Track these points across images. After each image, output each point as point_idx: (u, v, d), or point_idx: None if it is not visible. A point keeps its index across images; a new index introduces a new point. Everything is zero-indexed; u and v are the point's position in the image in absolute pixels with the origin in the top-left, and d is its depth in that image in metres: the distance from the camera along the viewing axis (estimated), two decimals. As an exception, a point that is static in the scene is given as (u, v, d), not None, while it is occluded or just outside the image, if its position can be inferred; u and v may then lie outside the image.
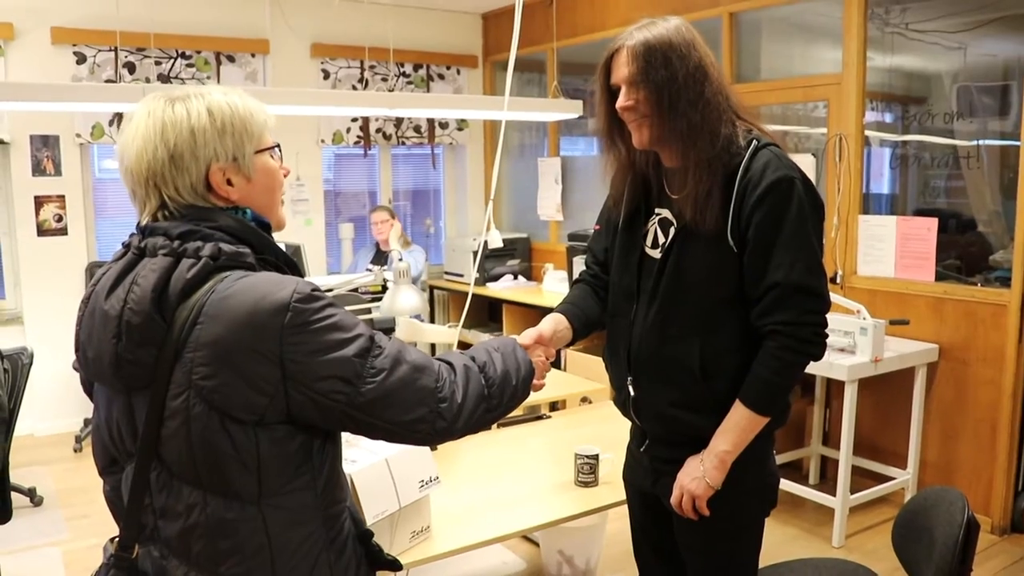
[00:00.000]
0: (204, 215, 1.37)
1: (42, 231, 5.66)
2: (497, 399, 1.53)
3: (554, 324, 2.01)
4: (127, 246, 1.39)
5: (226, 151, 1.38)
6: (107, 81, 5.70)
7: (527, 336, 1.89)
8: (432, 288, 7.22)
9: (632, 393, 1.99)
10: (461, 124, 7.38)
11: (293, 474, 1.34)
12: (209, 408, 1.26)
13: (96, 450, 1.43)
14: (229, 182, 1.39)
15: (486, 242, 3.39)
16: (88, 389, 1.46)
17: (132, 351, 1.29)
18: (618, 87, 1.88)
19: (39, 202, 5.64)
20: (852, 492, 4.01)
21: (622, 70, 1.85)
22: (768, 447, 2.00)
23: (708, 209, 1.81)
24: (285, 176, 1.52)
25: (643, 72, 1.81)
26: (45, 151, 5.63)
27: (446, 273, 7.17)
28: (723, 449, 1.86)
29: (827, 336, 1.85)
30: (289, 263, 1.45)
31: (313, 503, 1.37)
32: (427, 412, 1.39)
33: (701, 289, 1.86)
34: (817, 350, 1.84)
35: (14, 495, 4.33)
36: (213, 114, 1.38)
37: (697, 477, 1.88)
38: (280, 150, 1.51)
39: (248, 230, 1.39)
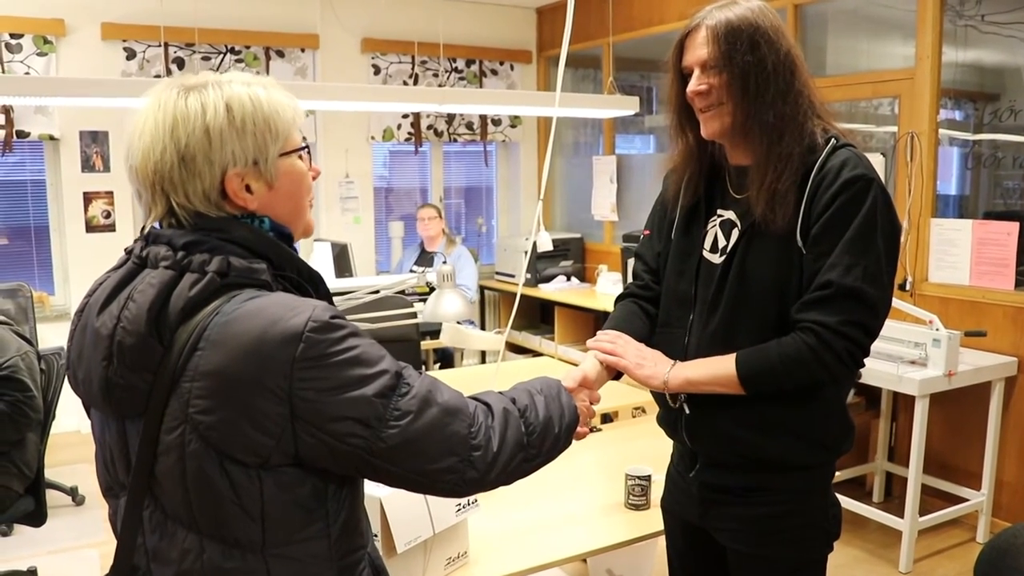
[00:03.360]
0: (215, 224, 1.19)
1: (91, 227, 5.65)
2: (536, 448, 1.36)
3: (596, 363, 1.83)
4: (129, 252, 1.23)
5: (246, 154, 1.20)
6: (156, 76, 5.66)
7: (571, 379, 1.68)
8: (483, 288, 7.09)
9: (687, 411, 1.81)
10: (514, 121, 7.23)
11: (303, 522, 1.18)
12: (206, 446, 1.10)
13: (97, 470, 1.29)
14: (248, 188, 1.22)
15: (535, 243, 3.24)
16: (87, 408, 1.31)
17: (124, 375, 1.14)
18: (690, 70, 1.71)
19: (88, 198, 5.63)
20: (921, 513, 3.77)
21: (699, 51, 1.68)
22: (830, 475, 1.82)
23: (783, 207, 1.63)
24: (315, 178, 1.34)
25: (725, 56, 1.64)
26: (94, 147, 5.61)
27: (497, 273, 7.04)
28: (688, 377, 1.72)
29: (863, 364, 1.63)
30: (313, 279, 1.28)
31: (325, 553, 1.21)
32: (457, 461, 1.22)
33: (770, 295, 1.68)
34: (843, 371, 1.62)
35: (56, 494, 4.34)
36: (232, 110, 1.19)
37: (658, 375, 1.75)
38: (310, 150, 1.32)
39: (265, 242, 1.22)
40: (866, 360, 1.65)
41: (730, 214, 1.77)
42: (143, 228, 1.25)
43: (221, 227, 1.20)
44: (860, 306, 1.58)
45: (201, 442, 1.10)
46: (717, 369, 1.68)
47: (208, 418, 1.10)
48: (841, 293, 1.58)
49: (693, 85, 1.69)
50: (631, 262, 6.02)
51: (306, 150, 1.31)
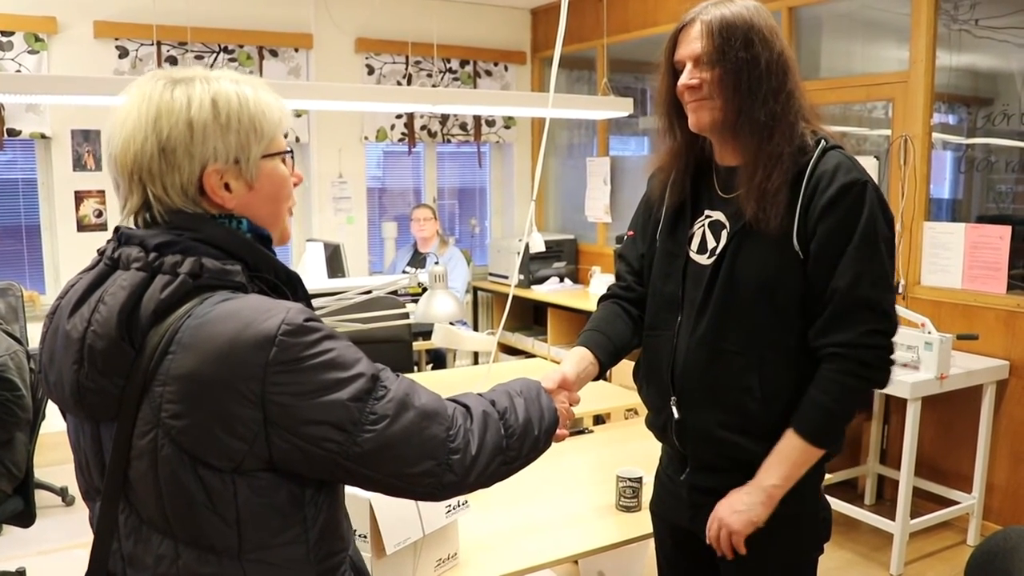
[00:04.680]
0: (188, 223, 1.17)
1: (82, 226, 5.62)
2: (515, 451, 1.34)
3: (576, 364, 1.82)
4: (101, 253, 1.21)
5: (227, 151, 1.18)
6: (149, 75, 5.64)
7: (550, 379, 1.67)
8: (476, 289, 7.08)
9: (676, 415, 1.80)
10: (508, 122, 7.22)
11: (280, 527, 1.15)
12: (179, 451, 1.08)
13: (75, 473, 1.28)
14: (227, 187, 1.20)
15: (528, 244, 3.24)
16: (62, 412, 1.28)
17: (95, 379, 1.12)
18: (682, 65, 1.70)
19: (79, 197, 5.60)
20: (912, 516, 3.78)
21: (692, 45, 1.68)
22: (819, 478, 1.82)
23: (774, 207, 1.62)
24: (296, 185, 1.31)
25: (719, 51, 1.64)
26: (86, 145, 5.58)
27: (490, 274, 7.03)
28: (771, 484, 1.67)
29: (893, 362, 1.65)
30: (291, 280, 1.26)
31: (304, 557, 1.19)
32: (434, 465, 1.20)
33: (760, 298, 1.67)
34: (881, 376, 1.65)
35: (46, 494, 4.32)
36: (218, 105, 1.17)
37: (739, 511, 1.69)
38: (293, 156, 1.30)
39: (240, 243, 1.20)
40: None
41: (718, 215, 1.76)
42: (116, 227, 1.23)
43: (195, 227, 1.18)
44: (873, 314, 1.61)
45: (173, 447, 1.08)
46: (788, 457, 1.67)
47: (180, 422, 1.08)
48: (852, 305, 1.60)
49: (684, 79, 1.69)
50: (623, 264, 5.99)
51: (290, 154, 1.29)
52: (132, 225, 1.22)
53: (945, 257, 4.22)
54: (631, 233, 2.01)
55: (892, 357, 1.65)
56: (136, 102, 1.18)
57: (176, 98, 1.17)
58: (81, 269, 1.25)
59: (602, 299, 2.03)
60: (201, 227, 1.18)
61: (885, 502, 4.47)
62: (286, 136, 1.30)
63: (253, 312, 1.10)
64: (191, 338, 1.08)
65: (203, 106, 1.17)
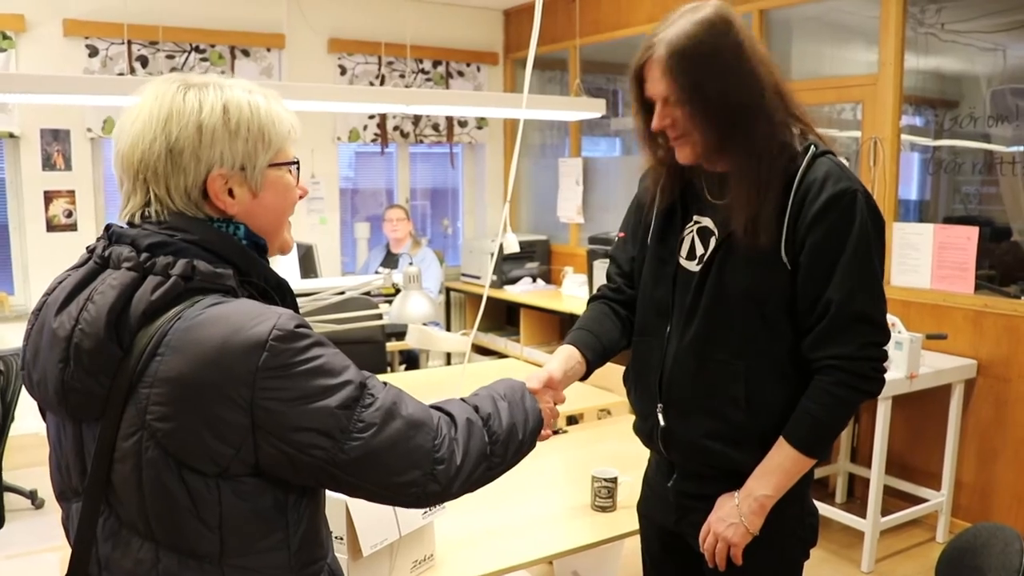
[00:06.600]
0: (183, 225, 1.17)
1: (51, 226, 5.55)
2: (500, 456, 1.34)
3: (563, 362, 1.80)
4: (91, 251, 1.20)
5: (234, 157, 1.19)
6: (119, 75, 5.58)
7: (536, 380, 1.66)
8: (448, 290, 7.08)
9: (662, 422, 1.79)
10: (481, 123, 7.22)
11: (262, 532, 1.15)
12: (164, 454, 1.08)
13: (50, 473, 1.26)
14: (230, 193, 1.20)
15: (503, 245, 3.24)
16: (42, 410, 1.27)
17: (80, 379, 1.11)
18: (652, 101, 1.66)
19: (49, 197, 5.53)
20: (883, 514, 3.82)
21: (655, 85, 1.62)
22: (808, 483, 1.81)
23: (765, 231, 1.60)
24: (301, 197, 1.32)
25: (683, 89, 1.58)
26: (55, 145, 5.51)
27: (463, 275, 7.02)
28: (764, 493, 1.66)
29: (886, 371, 1.65)
30: (280, 287, 1.26)
31: (285, 563, 1.18)
32: (420, 475, 1.20)
33: (747, 307, 1.65)
34: (876, 387, 1.64)
35: (15, 497, 4.27)
36: (228, 112, 1.19)
37: (734, 523, 1.68)
38: (299, 167, 1.30)
39: (232, 247, 1.20)
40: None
41: (707, 221, 1.74)
42: (107, 226, 1.22)
43: (188, 228, 1.17)
44: (870, 327, 1.61)
45: (159, 450, 1.08)
46: (780, 467, 1.66)
47: (166, 425, 1.07)
48: (850, 320, 1.59)
49: (656, 121, 1.65)
50: (597, 264, 6.01)
51: (296, 166, 1.29)
52: (127, 223, 1.22)
53: (914, 257, 4.27)
54: (622, 235, 1.99)
55: (885, 366, 1.65)
56: (148, 102, 1.19)
57: (188, 101, 1.18)
58: (52, 268, 1.24)
59: (592, 299, 2.01)
60: (194, 229, 1.17)
61: (856, 500, 4.51)
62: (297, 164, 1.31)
63: (244, 317, 1.10)
64: (180, 341, 1.08)
65: (214, 111, 1.18)
